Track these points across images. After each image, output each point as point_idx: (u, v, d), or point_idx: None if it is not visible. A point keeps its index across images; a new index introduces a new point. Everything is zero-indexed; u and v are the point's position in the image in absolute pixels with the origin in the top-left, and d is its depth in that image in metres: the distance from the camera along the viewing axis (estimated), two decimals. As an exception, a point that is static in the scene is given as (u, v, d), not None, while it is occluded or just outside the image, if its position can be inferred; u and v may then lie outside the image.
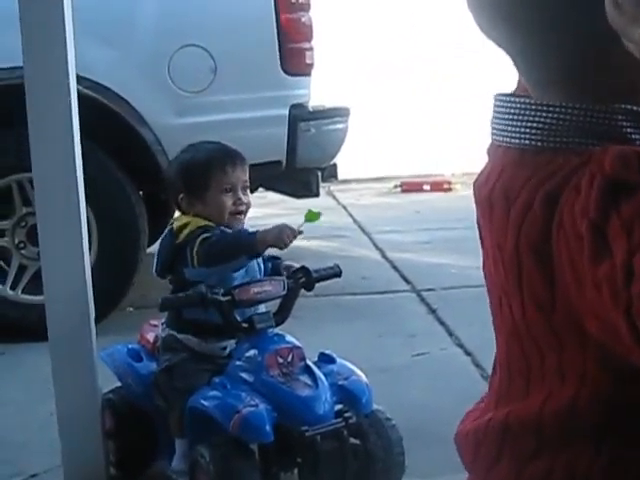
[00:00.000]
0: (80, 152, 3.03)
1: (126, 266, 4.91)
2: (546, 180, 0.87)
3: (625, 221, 0.77)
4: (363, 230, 7.47)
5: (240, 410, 2.67)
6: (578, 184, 0.83)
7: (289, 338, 2.87)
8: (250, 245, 2.81)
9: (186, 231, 2.86)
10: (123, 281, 4.90)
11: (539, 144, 0.92)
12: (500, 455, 0.97)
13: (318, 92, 5.60)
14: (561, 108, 0.91)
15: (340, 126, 5.52)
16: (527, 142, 0.93)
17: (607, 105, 0.87)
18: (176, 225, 2.93)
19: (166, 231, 3.01)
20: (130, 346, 3.16)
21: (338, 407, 2.79)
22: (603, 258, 0.78)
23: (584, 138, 0.88)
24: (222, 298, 2.77)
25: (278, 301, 2.97)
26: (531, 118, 0.93)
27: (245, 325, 2.84)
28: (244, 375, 2.79)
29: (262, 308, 2.92)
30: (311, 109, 5.40)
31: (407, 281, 5.73)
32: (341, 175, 7.88)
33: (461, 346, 4.36)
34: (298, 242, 7.41)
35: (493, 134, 0.98)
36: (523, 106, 0.94)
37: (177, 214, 3.24)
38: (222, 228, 2.89)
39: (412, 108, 9.11)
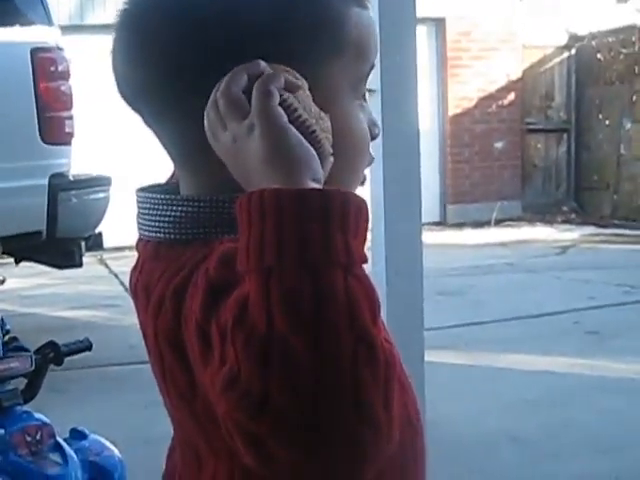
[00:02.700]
0: None
1: None
2: (176, 274, 0.89)
3: (221, 327, 0.79)
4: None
5: (-16, 493, 2.55)
6: (197, 280, 0.85)
7: (38, 415, 2.77)
8: None
9: None
10: None
11: (172, 237, 0.94)
12: None
13: (79, 161, 5.53)
14: (190, 201, 0.94)
15: (102, 195, 5.48)
16: (161, 235, 0.95)
17: (231, 195, 0.89)
18: None
19: None
20: None
21: (89, 484, 2.71)
22: (209, 360, 0.80)
23: (214, 228, 0.91)
24: (-36, 377, 2.66)
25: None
26: (164, 212, 0.95)
27: (-9, 404, 2.72)
28: (-10, 456, 2.67)
29: (9, 385, 2.81)
30: (72, 178, 5.34)
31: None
32: (114, 243, 7.79)
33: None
34: (67, 312, 7.27)
35: (138, 228, 0.99)
36: (156, 200, 0.96)
37: None
38: None
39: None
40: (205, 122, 0.86)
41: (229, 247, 0.83)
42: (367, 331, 0.76)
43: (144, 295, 0.94)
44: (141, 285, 0.96)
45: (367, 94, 1.01)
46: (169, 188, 1.00)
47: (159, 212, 0.95)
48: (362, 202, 0.80)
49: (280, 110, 0.82)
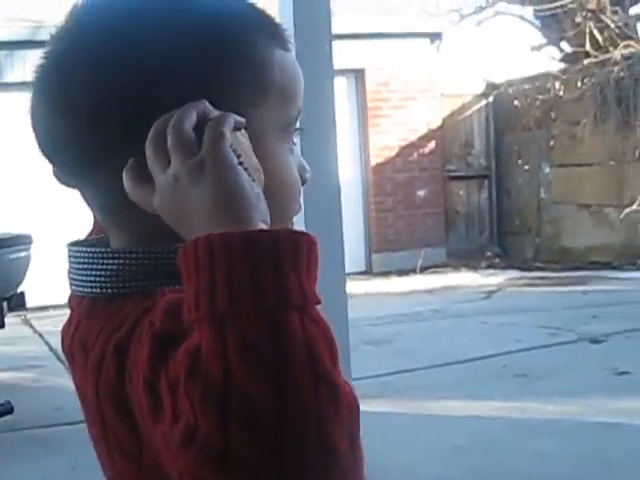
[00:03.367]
0: None
1: None
2: (116, 330, 0.86)
3: (171, 380, 0.76)
4: (58, 358, 7.24)
5: None
6: (140, 334, 0.82)
7: (-41, 483, 2.69)
8: None
9: None
10: None
11: (109, 291, 0.91)
12: None
13: (0, 219, 5.46)
14: (125, 253, 0.91)
15: (23, 254, 5.42)
16: (97, 290, 0.92)
17: (169, 245, 0.87)
18: None
19: None
20: None
21: None
22: (159, 417, 0.77)
23: (153, 280, 0.88)
24: None
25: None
26: (99, 266, 0.92)
27: None
28: None
29: None
30: (-8, 237, 5.28)
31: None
32: (39, 302, 7.67)
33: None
34: (-10, 375, 7.12)
35: (70, 284, 0.96)
36: (90, 254, 0.93)
37: None
38: None
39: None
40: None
41: (173, 298, 0.80)
42: (328, 373, 0.73)
43: (81, 354, 0.91)
44: (77, 343, 0.92)
45: (295, 134, 1.00)
46: (100, 242, 0.97)
47: (94, 266, 0.92)
48: (312, 240, 0.78)
49: (231, 152, 0.80)
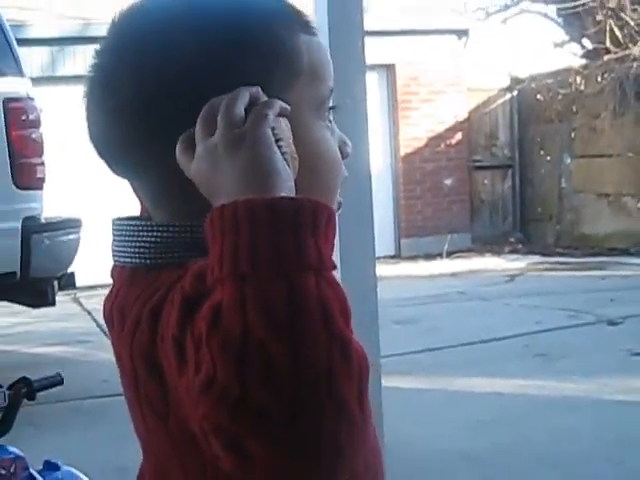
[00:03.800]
0: None
1: None
2: (152, 296, 0.88)
3: (195, 337, 0.77)
4: (106, 334, 7.29)
5: (-39, 526, 2.49)
6: (172, 298, 0.84)
7: (12, 449, 2.72)
8: None
9: None
10: None
11: (148, 262, 0.93)
12: None
13: (50, 204, 5.49)
14: (164, 227, 0.93)
15: (73, 236, 5.45)
16: (137, 261, 0.94)
17: (204, 220, 0.88)
18: None
19: None
20: None
21: (63, 513, 2.66)
22: (184, 370, 0.79)
23: (188, 252, 0.90)
24: (-59, 414, 2.60)
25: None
26: (140, 238, 0.94)
27: (-34, 439, 2.67)
28: (-34, 489, 2.61)
29: (-17, 422, 2.75)
30: (44, 221, 5.30)
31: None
32: (88, 281, 7.72)
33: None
34: (41, 349, 7.19)
35: (113, 256, 0.99)
36: (133, 228, 0.96)
37: None
38: None
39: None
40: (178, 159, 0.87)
41: (202, 264, 0.82)
42: (340, 331, 0.75)
43: (119, 318, 0.93)
44: (116, 309, 0.94)
45: (329, 112, 1.00)
46: (141, 218, 0.99)
47: (135, 238, 0.94)
48: (331, 210, 0.80)
49: (270, 133, 0.82)
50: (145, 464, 0.99)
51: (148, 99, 0.91)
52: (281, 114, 0.85)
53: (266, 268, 0.75)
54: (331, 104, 1.00)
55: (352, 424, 0.74)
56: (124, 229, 0.96)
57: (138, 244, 0.94)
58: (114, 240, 0.98)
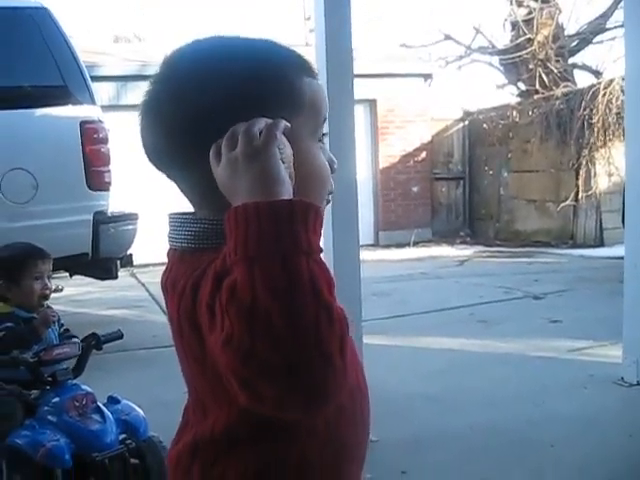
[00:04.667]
0: None
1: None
2: (194, 272, 0.89)
3: (222, 304, 0.78)
4: (156, 301, 7.31)
5: (45, 444, 2.49)
6: (208, 274, 0.85)
7: (84, 387, 2.73)
8: (31, 333, 2.69)
9: None
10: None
11: (192, 246, 0.94)
12: (191, 465, 0.96)
13: (115, 202, 5.48)
14: (204, 219, 0.94)
15: (131, 227, 5.44)
16: (185, 245, 0.95)
17: None
18: None
19: None
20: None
21: (122, 436, 2.66)
22: (213, 329, 0.80)
23: (222, 239, 0.89)
24: (30, 359, 2.61)
25: (75, 359, 2.81)
26: (187, 228, 0.95)
27: (50, 379, 2.68)
28: (49, 417, 2.62)
29: (62, 365, 2.76)
30: (110, 214, 5.30)
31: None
32: (142, 260, 7.70)
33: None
34: (107, 311, 7.17)
35: (168, 241, 0.99)
36: (182, 219, 0.97)
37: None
38: (13, 321, 2.72)
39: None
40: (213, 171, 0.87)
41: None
42: (325, 299, 0.76)
43: (171, 289, 0.93)
44: (170, 281, 0.95)
45: (323, 136, 1.01)
46: (188, 213, 0.99)
47: (184, 228, 0.95)
48: (318, 208, 0.81)
49: (277, 150, 0.83)
50: (189, 397, 1.00)
51: (188, 119, 0.91)
52: (284, 132, 0.86)
53: (268, 251, 0.76)
54: (325, 130, 1.00)
55: (335, 368, 0.75)
56: (176, 220, 0.97)
57: (186, 232, 0.95)
58: (169, 229, 0.99)
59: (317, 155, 0.96)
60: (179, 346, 0.95)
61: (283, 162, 0.83)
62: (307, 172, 0.92)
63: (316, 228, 0.80)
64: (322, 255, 0.80)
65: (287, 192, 0.81)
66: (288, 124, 0.86)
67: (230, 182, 0.84)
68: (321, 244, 0.81)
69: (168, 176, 0.98)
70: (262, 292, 0.74)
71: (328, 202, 1.00)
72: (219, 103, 0.89)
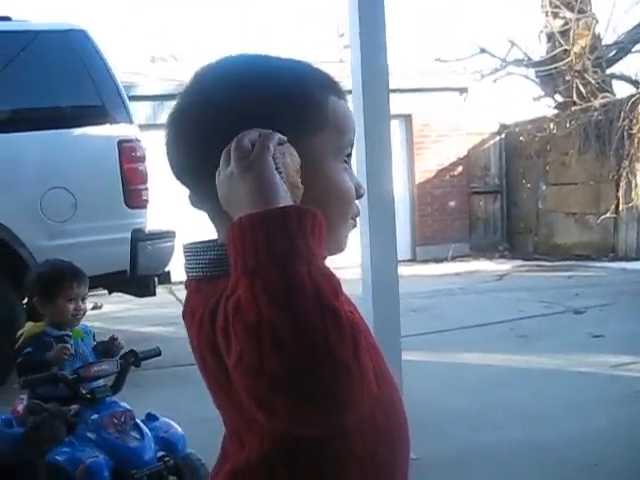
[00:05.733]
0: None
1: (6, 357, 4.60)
2: (211, 299, 0.87)
3: (235, 328, 0.76)
4: (193, 317, 7.32)
5: (84, 461, 2.51)
6: (223, 299, 0.83)
7: (122, 404, 2.74)
8: (43, 366, 2.70)
9: (20, 340, 2.79)
10: (4, 369, 4.51)
11: (209, 274, 0.92)
12: None
13: (153, 219, 5.52)
14: (221, 246, 0.92)
15: (169, 244, 5.45)
16: (201, 274, 0.93)
17: None
18: (20, 332, 2.85)
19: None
20: (4, 416, 2.93)
21: (160, 453, 2.67)
22: (230, 353, 0.78)
23: None
24: (70, 377, 2.64)
25: (114, 376, 2.83)
26: (201, 256, 0.93)
27: (88, 396, 2.70)
28: (89, 434, 2.64)
29: (101, 382, 2.78)
30: (147, 232, 5.33)
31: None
32: (179, 277, 7.75)
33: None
34: (145, 328, 7.20)
35: (185, 272, 0.97)
36: (196, 249, 0.95)
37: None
38: (40, 343, 2.77)
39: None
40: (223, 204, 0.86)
41: None
42: (330, 304, 0.73)
43: (191, 319, 0.92)
44: (189, 313, 0.93)
45: (349, 158, 0.98)
46: (203, 240, 0.97)
47: (198, 257, 0.94)
48: (316, 213, 0.78)
49: (272, 160, 0.81)
50: (225, 427, 0.97)
51: (205, 132, 0.90)
52: (279, 143, 0.83)
53: (266, 262, 0.74)
54: (350, 151, 0.97)
55: (350, 374, 0.73)
56: (190, 251, 0.96)
57: (201, 261, 0.93)
58: (185, 260, 0.97)
59: (339, 174, 0.94)
60: (204, 377, 0.93)
61: (280, 172, 0.81)
62: (326, 190, 0.90)
63: (315, 233, 0.77)
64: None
65: (284, 200, 0.79)
66: (282, 136, 0.84)
67: (228, 197, 0.83)
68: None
69: (194, 205, 0.96)
70: (265, 305, 0.72)
71: (354, 226, 0.98)
72: (235, 117, 0.87)
